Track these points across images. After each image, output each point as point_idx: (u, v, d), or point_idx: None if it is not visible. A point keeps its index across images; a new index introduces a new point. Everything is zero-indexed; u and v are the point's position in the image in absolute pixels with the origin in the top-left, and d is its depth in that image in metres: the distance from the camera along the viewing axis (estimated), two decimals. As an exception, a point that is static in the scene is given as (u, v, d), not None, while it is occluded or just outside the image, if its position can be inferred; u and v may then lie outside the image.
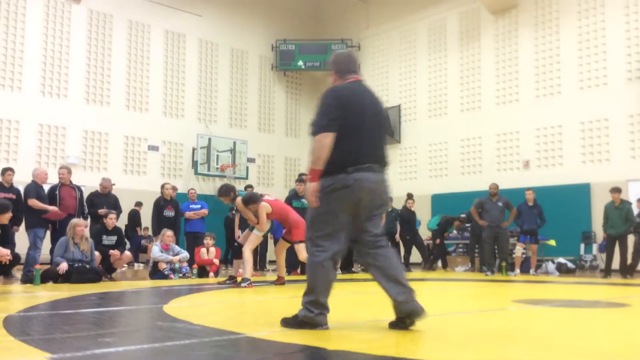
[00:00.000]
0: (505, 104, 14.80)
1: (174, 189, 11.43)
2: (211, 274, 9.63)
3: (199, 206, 11.54)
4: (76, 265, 7.83)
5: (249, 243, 7.30)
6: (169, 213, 10.61)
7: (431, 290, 7.50)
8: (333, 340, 3.05)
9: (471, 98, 15.49)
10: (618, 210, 10.42)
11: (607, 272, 10.43)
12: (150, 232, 14.49)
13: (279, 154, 18.33)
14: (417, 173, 16.46)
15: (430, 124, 16.30)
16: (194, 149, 16.13)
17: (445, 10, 16.20)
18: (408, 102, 16.86)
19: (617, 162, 12.72)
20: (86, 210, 9.38)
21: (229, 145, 16.72)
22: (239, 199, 7.22)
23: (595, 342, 3.11)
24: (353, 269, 11.83)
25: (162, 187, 10.93)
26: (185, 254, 9.47)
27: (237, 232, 10.71)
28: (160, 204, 10.70)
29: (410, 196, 12.82)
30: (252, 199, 7.23)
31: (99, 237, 8.83)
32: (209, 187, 16.50)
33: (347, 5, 18.44)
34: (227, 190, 7.45)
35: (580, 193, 12.78)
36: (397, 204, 12.42)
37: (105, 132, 14.68)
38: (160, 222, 10.45)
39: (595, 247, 12.44)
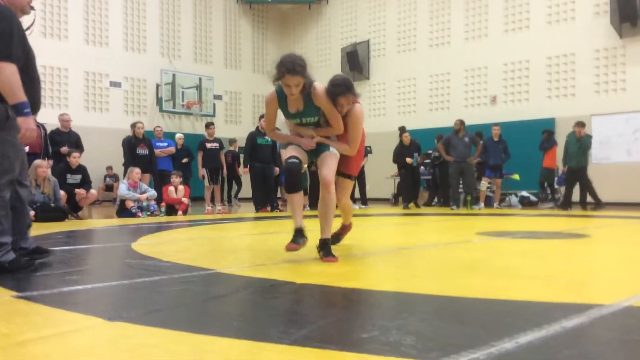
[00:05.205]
0: (474, 38, 14.71)
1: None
2: (180, 212, 9.61)
3: (165, 144, 11.35)
4: (39, 204, 7.72)
5: (332, 172, 3.86)
6: (143, 151, 10.17)
7: (397, 224, 7.65)
8: (304, 275, 3.09)
9: (440, 33, 15.32)
10: (578, 143, 10.65)
11: (567, 204, 10.76)
12: (114, 171, 14.29)
13: (246, 90, 18.01)
14: (386, 110, 16.44)
15: (399, 59, 16.15)
16: (157, 85, 15.71)
17: (416, -60, 15.73)
18: (377, 37, 16.60)
19: (582, 97, 12.89)
20: (50, 150, 9.12)
21: (195, 81, 16.33)
22: (320, 87, 3.93)
23: (553, 270, 3.22)
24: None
25: (134, 126, 10.32)
26: (152, 192, 9.40)
27: (202, 171, 10.58)
28: (131, 142, 10.26)
29: (403, 129, 12.11)
30: (351, 89, 3.90)
31: (63, 176, 8.68)
32: (175, 125, 16.21)
33: None
34: (305, 66, 3.89)
35: (545, 128, 12.96)
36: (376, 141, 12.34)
37: (65, 67, 14.13)
38: (134, 160, 10.07)
39: (556, 180, 12.75)
